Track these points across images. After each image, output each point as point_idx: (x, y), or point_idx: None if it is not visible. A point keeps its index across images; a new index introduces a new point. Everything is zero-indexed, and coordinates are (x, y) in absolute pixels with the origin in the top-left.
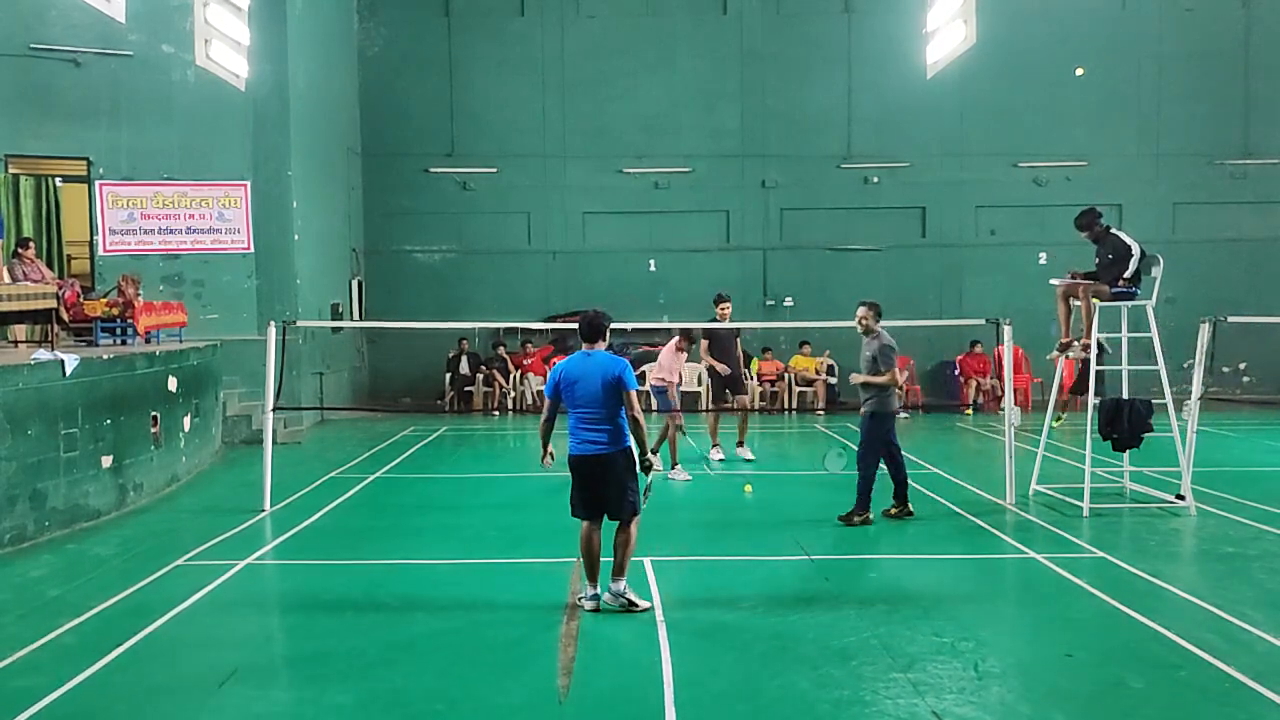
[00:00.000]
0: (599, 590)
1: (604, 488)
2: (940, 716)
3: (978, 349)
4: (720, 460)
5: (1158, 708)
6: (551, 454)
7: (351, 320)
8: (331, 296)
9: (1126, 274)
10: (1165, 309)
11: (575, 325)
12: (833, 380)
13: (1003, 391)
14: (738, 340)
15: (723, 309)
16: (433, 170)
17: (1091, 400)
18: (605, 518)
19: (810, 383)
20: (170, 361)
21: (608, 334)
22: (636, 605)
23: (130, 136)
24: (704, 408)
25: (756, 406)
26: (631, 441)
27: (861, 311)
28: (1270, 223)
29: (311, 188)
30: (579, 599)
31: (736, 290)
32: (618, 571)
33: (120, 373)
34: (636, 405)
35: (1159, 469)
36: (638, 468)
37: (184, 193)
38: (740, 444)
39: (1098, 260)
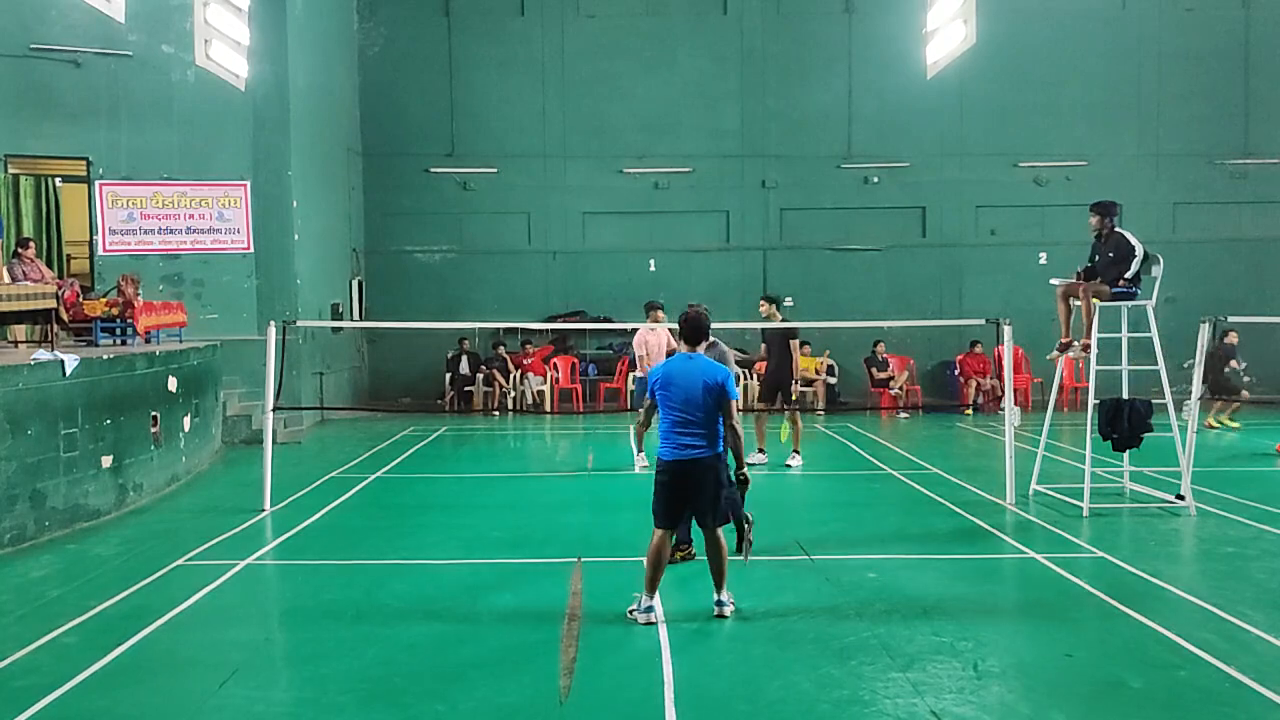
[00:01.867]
0: (654, 602)
1: (699, 494)
2: (940, 716)
3: (978, 349)
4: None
5: (1158, 708)
6: (644, 459)
7: (351, 320)
8: (331, 296)
9: (1128, 274)
10: (1165, 309)
11: (579, 326)
12: (832, 380)
13: (1003, 391)
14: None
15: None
16: (433, 170)
17: (1091, 400)
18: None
19: (810, 383)
20: (170, 361)
21: (709, 334)
22: (734, 608)
23: (130, 136)
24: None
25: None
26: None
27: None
28: (1270, 223)
29: (311, 188)
30: (632, 612)
31: (736, 290)
32: (721, 581)
33: (120, 373)
34: (737, 415)
35: (1159, 469)
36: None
37: (184, 193)
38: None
39: (1096, 258)
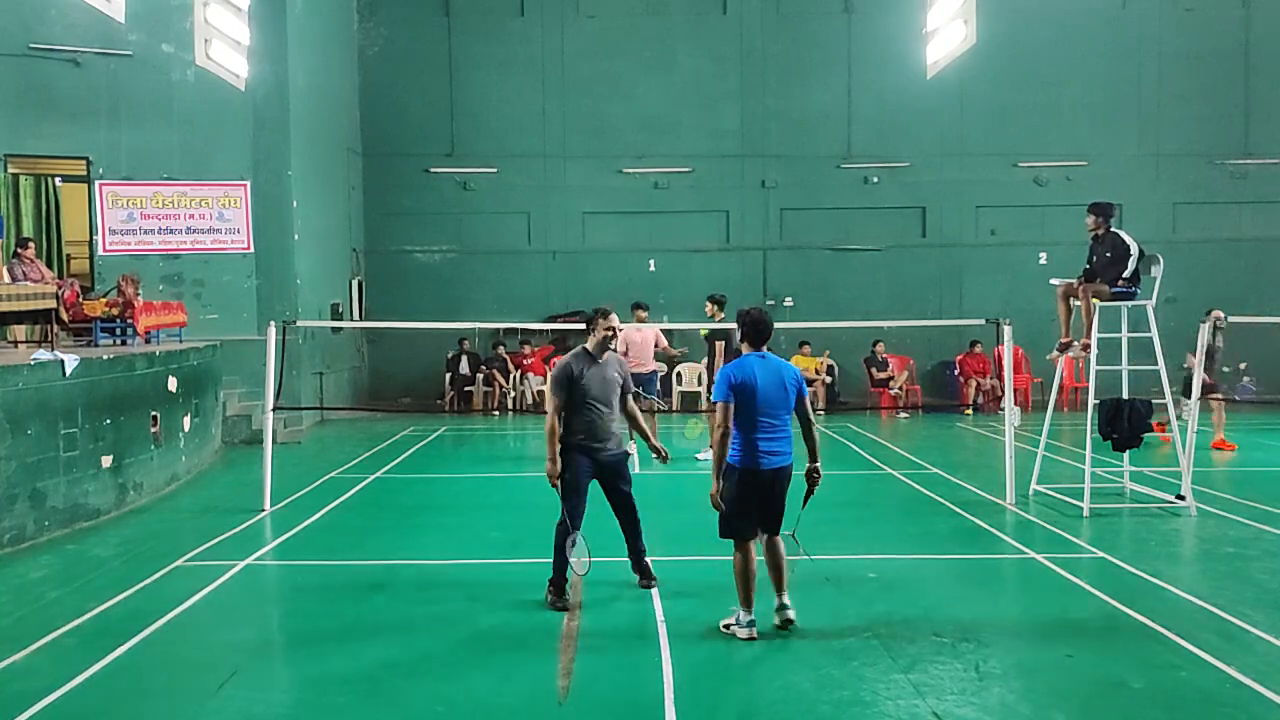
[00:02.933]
0: (754, 617)
1: (778, 502)
2: (941, 717)
3: (978, 349)
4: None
5: (1158, 708)
6: (724, 497)
7: (351, 320)
8: (331, 296)
9: (1125, 273)
10: (1165, 309)
11: (578, 325)
12: (832, 380)
13: (1003, 391)
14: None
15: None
16: (433, 170)
17: (1091, 400)
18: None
19: (810, 383)
20: (170, 361)
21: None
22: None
23: (130, 136)
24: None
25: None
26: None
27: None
28: (1270, 223)
29: (311, 188)
30: (730, 627)
31: (736, 290)
32: (781, 588)
33: (120, 373)
34: (810, 410)
35: (1159, 469)
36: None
37: (184, 193)
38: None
39: (1094, 259)
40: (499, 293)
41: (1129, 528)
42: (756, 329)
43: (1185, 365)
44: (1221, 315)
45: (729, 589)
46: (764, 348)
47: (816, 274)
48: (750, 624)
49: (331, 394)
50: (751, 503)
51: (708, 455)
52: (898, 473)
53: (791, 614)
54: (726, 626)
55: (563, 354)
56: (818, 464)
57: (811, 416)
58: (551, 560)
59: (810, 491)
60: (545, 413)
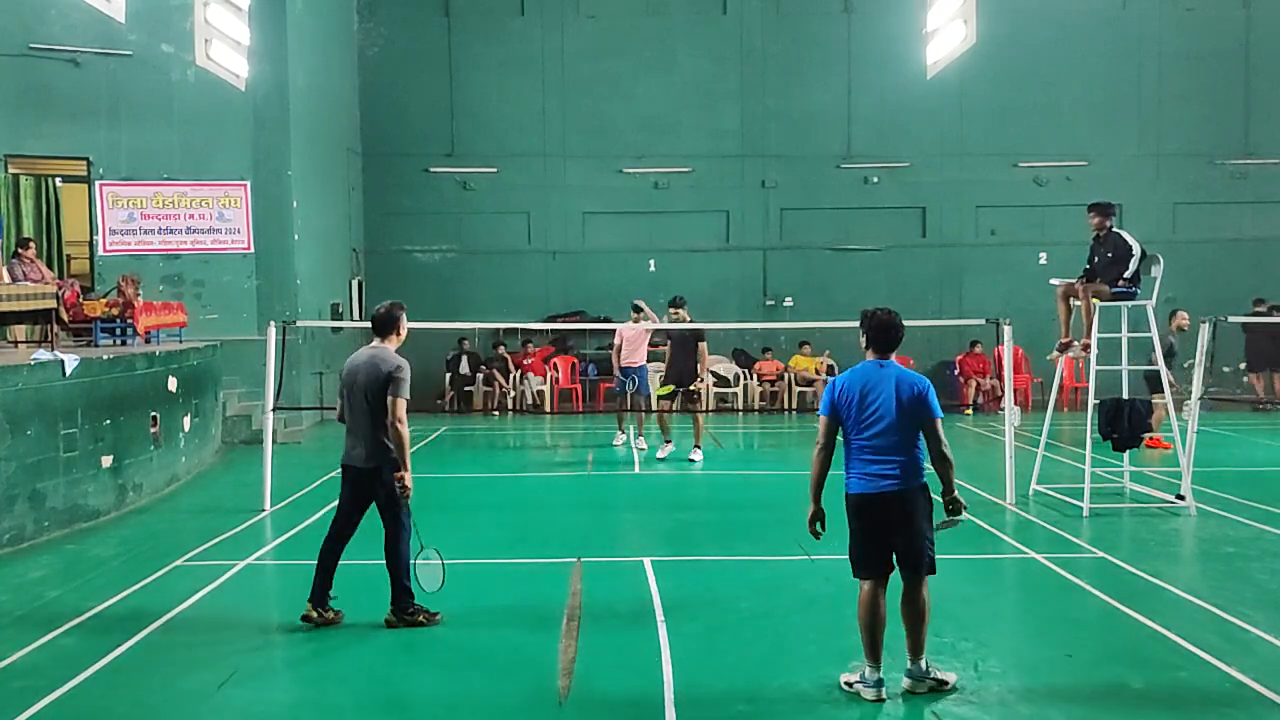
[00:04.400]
0: (882, 674)
1: (893, 534)
2: (940, 716)
3: (978, 349)
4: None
5: (1158, 708)
6: (822, 520)
7: (351, 320)
8: (331, 296)
9: (1127, 274)
10: (1165, 309)
11: (579, 326)
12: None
13: (1003, 391)
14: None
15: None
16: (433, 170)
17: (1091, 400)
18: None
19: (810, 383)
20: (170, 361)
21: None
22: (946, 682)
23: (130, 136)
24: (705, 408)
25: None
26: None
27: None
28: (1270, 223)
29: (311, 188)
30: (851, 684)
31: (736, 290)
32: (917, 650)
33: (120, 373)
34: (944, 437)
35: (1159, 469)
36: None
37: (184, 193)
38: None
39: (1095, 259)
40: (499, 293)
41: (1129, 528)
42: (883, 333)
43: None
44: (1185, 316)
45: (728, 588)
46: (891, 355)
47: (816, 274)
48: (877, 684)
49: (331, 394)
50: (866, 534)
51: (667, 453)
52: None
53: (906, 684)
54: (849, 684)
55: (563, 354)
56: (953, 495)
57: (942, 437)
58: (394, 577)
59: (946, 522)
60: (545, 413)
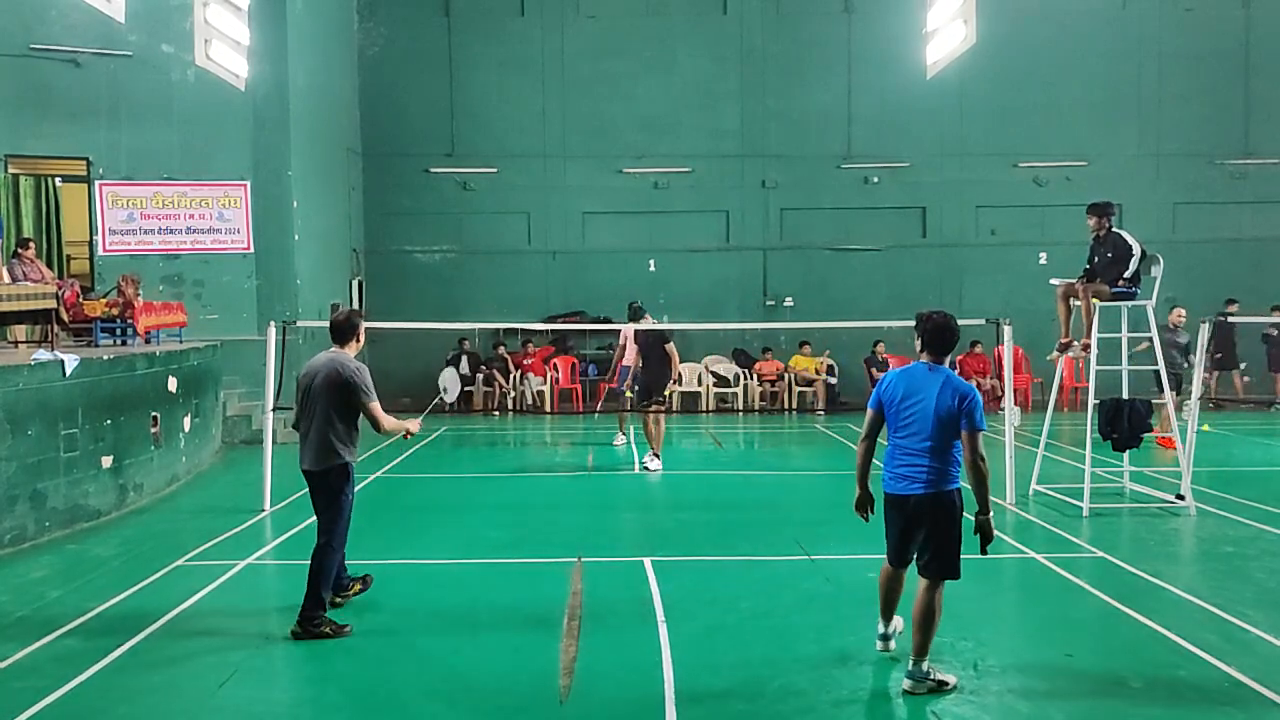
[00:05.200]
0: (889, 631)
1: (915, 535)
2: (939, 716)
3: (978, 349)
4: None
5: (1158, 708)
6: (871, 505)
7: None
8: (331, 296)
9: (1127, 274)
10: (1165, 309)
11: (579, 326)
12: (832, 380)
13: (1003, 391)
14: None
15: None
16: (433, 170)
17: (1091, 400)
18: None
19: (810, 383)
20: (170, 361)
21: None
22: (946, 683)
23: (130, 136)
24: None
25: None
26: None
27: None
28: (1270, 223)
29: (311, 188)
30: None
31: (736, 290)
32: (920, 650)
33: (120, 373)
34: (981, 448)
35: (1159, 469)
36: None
37: (184, 193)
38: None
39: (1095, 259)
40: (499, 293)
41: (1129, 528)
42: (938, 335)
43: (1138, 348)
44: (1180, 312)
45: (728, 588)
46: (944, 359)
47: (816, 274)
48: (884, 637)
49: None
50: (890, 525)
51: (655, 464)
52: None
53: (906, 685)
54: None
55: (563, 354)
56: (987, 515)
57: (979, 450)
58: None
59: (982, 545)
60: (545, 413)
